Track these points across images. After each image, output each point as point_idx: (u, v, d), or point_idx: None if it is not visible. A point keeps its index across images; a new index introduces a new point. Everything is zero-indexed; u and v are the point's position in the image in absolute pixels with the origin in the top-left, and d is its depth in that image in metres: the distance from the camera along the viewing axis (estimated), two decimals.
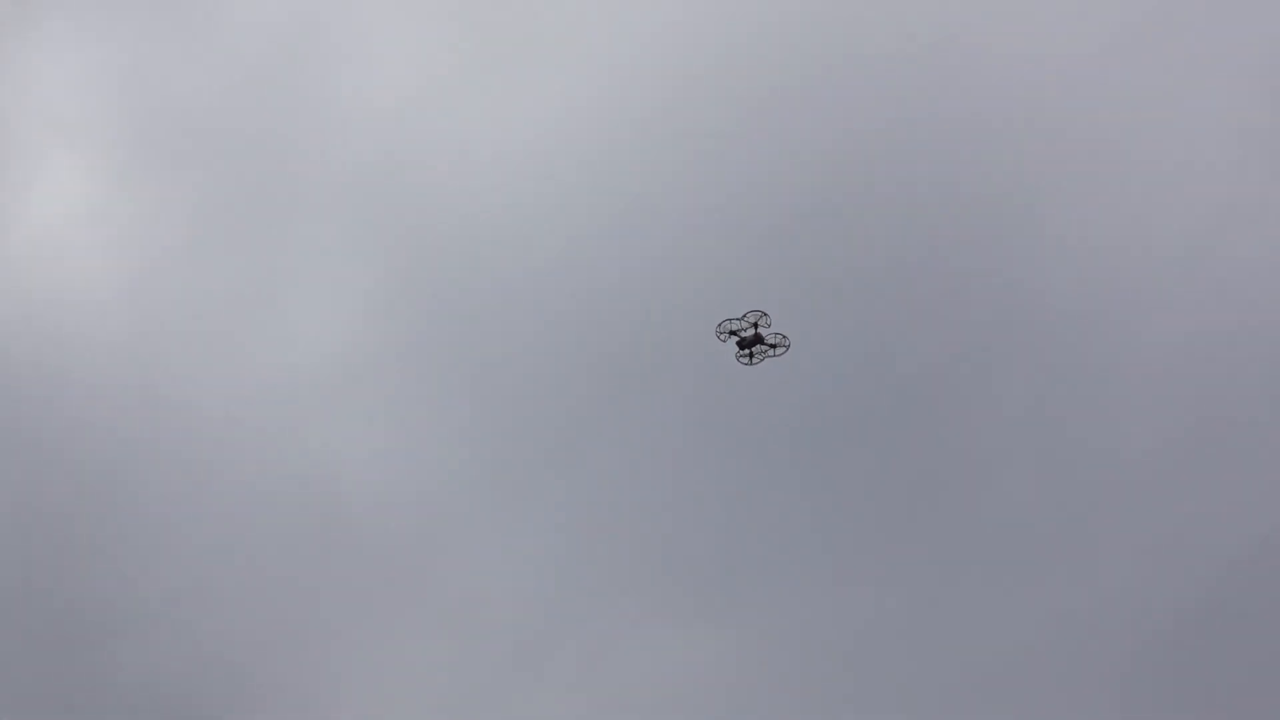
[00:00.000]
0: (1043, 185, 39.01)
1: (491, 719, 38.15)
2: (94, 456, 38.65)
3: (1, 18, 40.09)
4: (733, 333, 24.67)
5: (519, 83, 41.12)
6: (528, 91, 41.35)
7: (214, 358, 41.94)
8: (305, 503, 39.65)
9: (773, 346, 24.47)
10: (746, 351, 25.18)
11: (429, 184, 42.09)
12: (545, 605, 40.66)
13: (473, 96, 42.36)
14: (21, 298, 40.83)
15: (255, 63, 42.54)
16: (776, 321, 26.39)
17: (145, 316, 42.05)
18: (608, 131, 42.18)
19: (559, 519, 39.33)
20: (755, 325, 24.01)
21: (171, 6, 43.22)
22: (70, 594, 37.75)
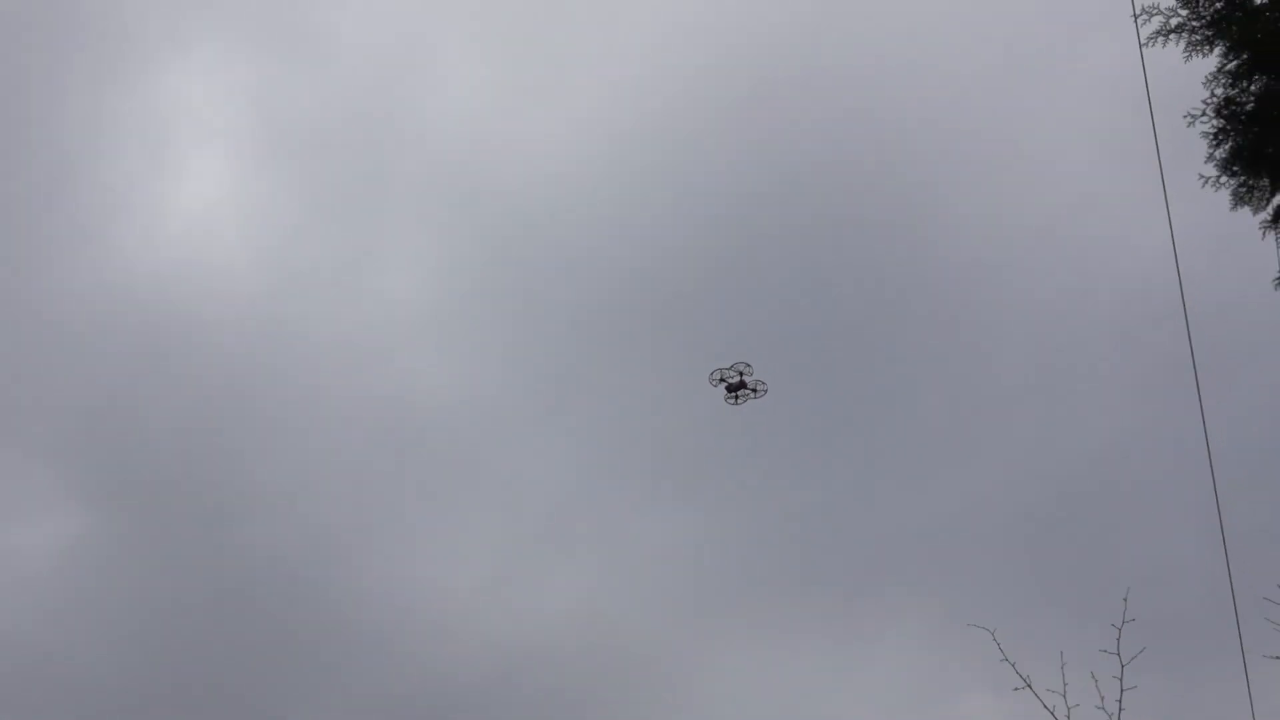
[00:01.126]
0: (943, 175, 50.56)
1: (526, 572, 52.91)
2: (233, 381, 53.73)
3: (160, 45, 54.33)
4: (722, 380, 30.68)
5: (561, 95, 55.06)
6: (568, 101, 54.90)
7: (324, 305, 56.73)
8: (390, 414, 54.54)
9: (753, 390, 30.74)
10: (733, 395, 31.24)
11: (491, 173, 55.24)
12: (568, 490, 54.48)
13: (527, 104, 55.50)
14: (180, 263, 55.14)
15: (359, 78, 56.43)
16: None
17: (272, 275, 56.99)
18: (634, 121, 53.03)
19: (580, 426, 53.96)
20: (740, 374, 30.24)
21: (293, 34, 57.36)
22: (211, 484, 52.42)
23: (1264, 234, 10.00)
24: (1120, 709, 7.69)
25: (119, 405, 53.49)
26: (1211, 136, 9.57)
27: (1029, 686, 7.87)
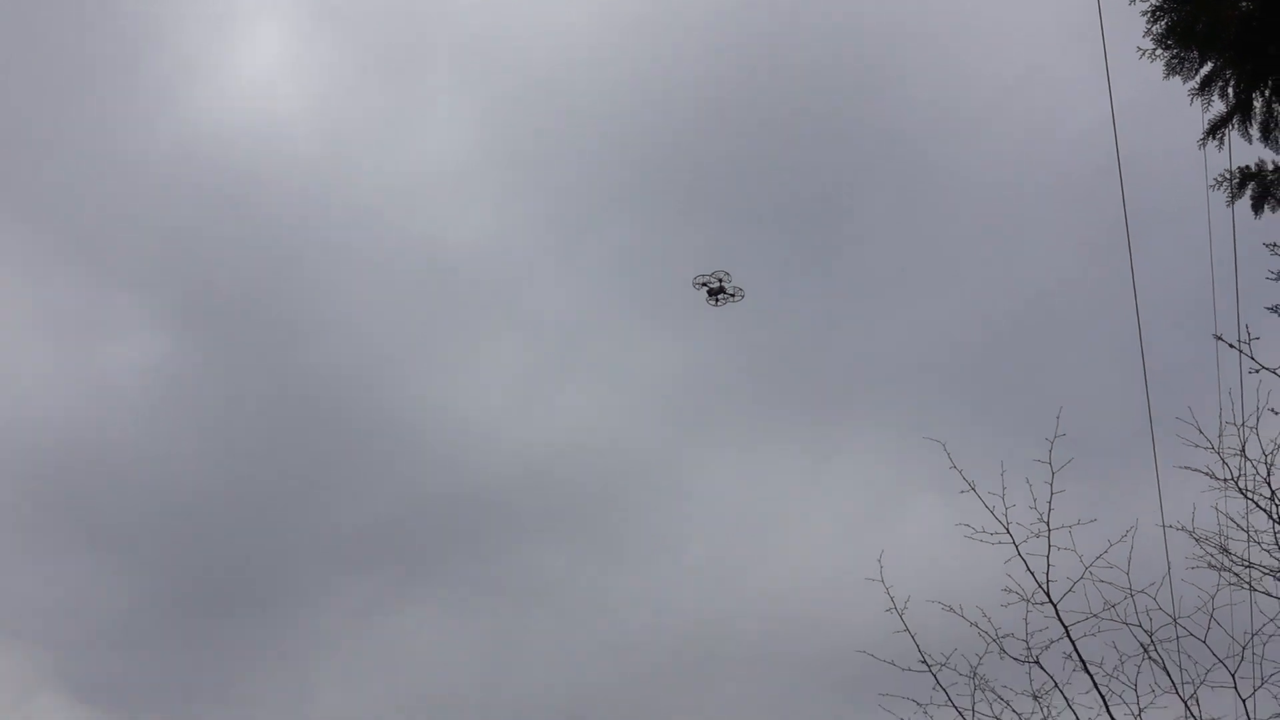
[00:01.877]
0: (904, 48, 54.54)
1: (544, 390, 61.29)
2: (293, 223, 61.34)
3: None
4: (704, 285, 32.14)
5: None
6: None
7: (371, 160, 63.32)
8: (428, 253, 61.46)
9: (731, 295, 32.30)
10: (713, 298, 32.94)
11: (519, 50, 59.30)
12: (580, 321, 61.56)
13: None
14: (245, 119, 61.12)
15: None
16: None
17: (323, 137, 63.15)
18: None
19: (591, 267, 60.28)
20: (720, 281, 31.98)
21: None
22: (276, 311, 60.84)
23: (1191, 100, 11.02)
24: (1050, 509, 8.96)
25: (196, 242, 60.26)
26: (1150, 14, 10.46)
27: (973, 490, 9.07)
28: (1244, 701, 8.46)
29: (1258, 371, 8.34)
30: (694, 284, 32.13)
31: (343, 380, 62.41)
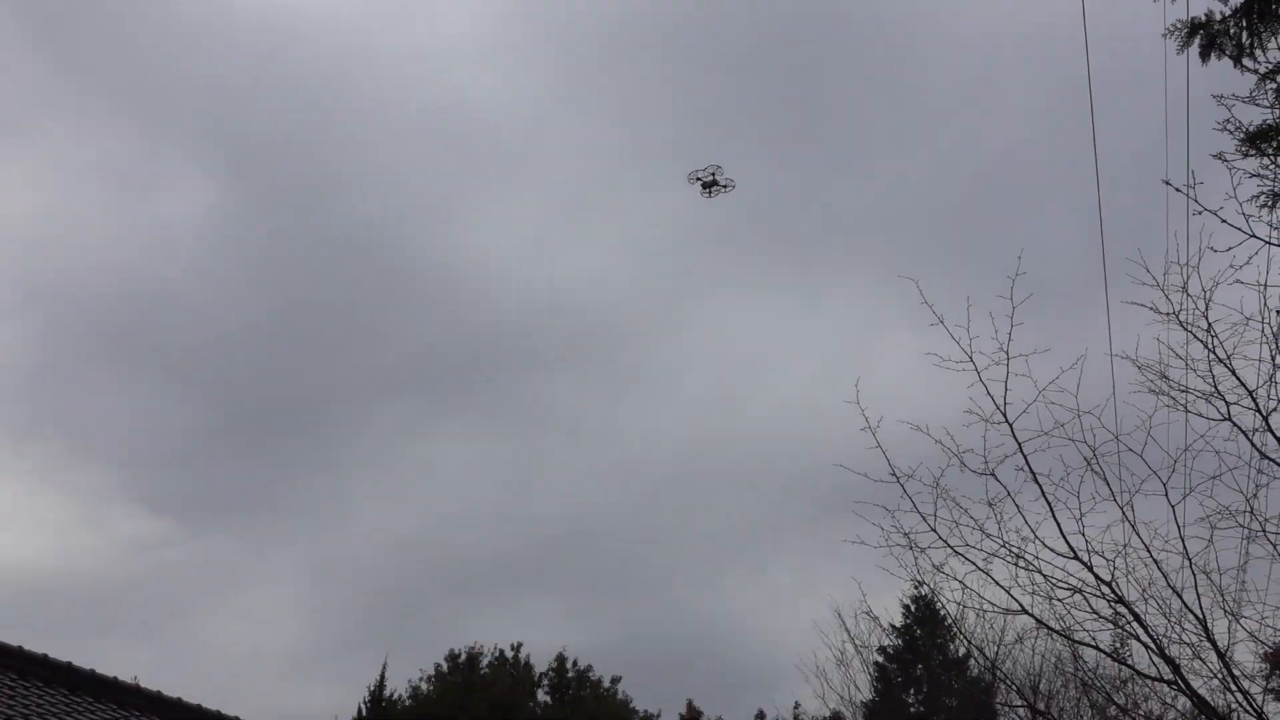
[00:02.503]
0: None
1: (558, 239, 68.69)
2: (328, 84, 67.90)
3: None
4: (698, 179, 33.39)
5: None
6: None
7: (400, 30, 69.17)
8: (459, 119, 67.67)
9: (723, 187, 33.67)
10: (707, 190, 34.00)
11: None
12: (590, 175, 68.08)
13: None
14: None
15: None
16: None
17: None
18: None
19: (599, 125, 66.08)
20: (713, 175, 33.19)
21: None
22: (316, 163, 67.29)
23: None
24: (1010, 340, 9.79)
25: (240, 98, 66.07)
26: None
27: (941, 323, 9.88)
28: (1173, 508, 9.47)
29: (1200, 214, 9.01)
30: (689, 178, 33.64)
31: (377, 227, 68.56)
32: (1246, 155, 9.05)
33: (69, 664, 12.35)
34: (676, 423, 70.21)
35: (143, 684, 13.27)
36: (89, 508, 62.86)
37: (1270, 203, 9.05)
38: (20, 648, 11.94)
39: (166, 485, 65.47)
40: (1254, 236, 9.05)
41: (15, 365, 64.50)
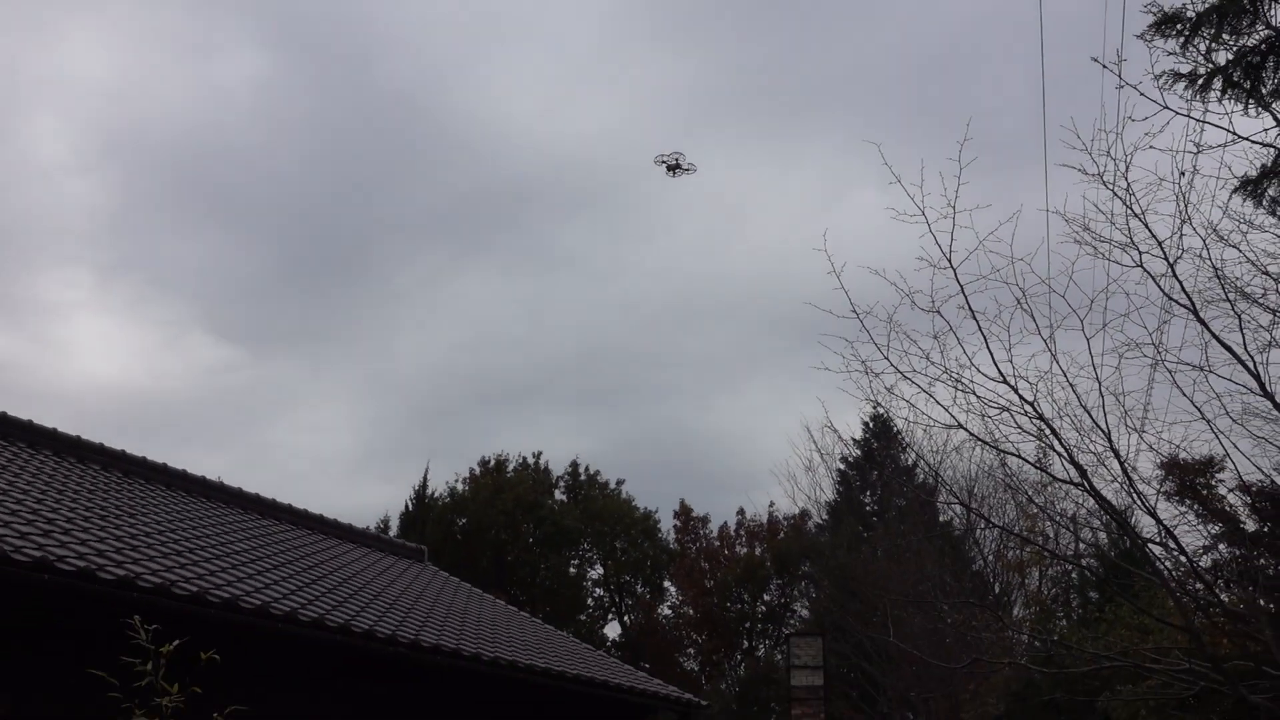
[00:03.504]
0: None
1: (571, 99, 67.72)
2: None
3: None
4: (663, 162, 33.54)
5: None
6: None
7: None
8: None
9: (686, 170, 33.79)
10: (671, 172, 34.08)
11: None
12: (600, 39, 67.21)
13: None
14: None
15: None
16: None
17: None
18: None
19: None
20: (676, 159, 33.39)
21: None
22: (353, 29, 65.87)
23: None
24: (956, 197, 10.85)
25: None
26: None
27: (899, 181, 10.94)
28: (1088, 340, 10.80)
29: (1121, 88, 9.95)
30: (655, 161, 34.10)
31: (411, 87, 69.79)
32: (1153, 39, 9.85)
33: (164, 464, 13.86)
34: (672, 264, 75.63)
35: (217, 480, 14.86)
36: (169, 337, 68.24)
37: (1171, 82, 9.97)
38: (124, 450, 13.41)
39: (234, 318, 72.32)
40: (1166, 108, 10.06)
41: (99, 211, 68.91)
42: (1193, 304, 10.05)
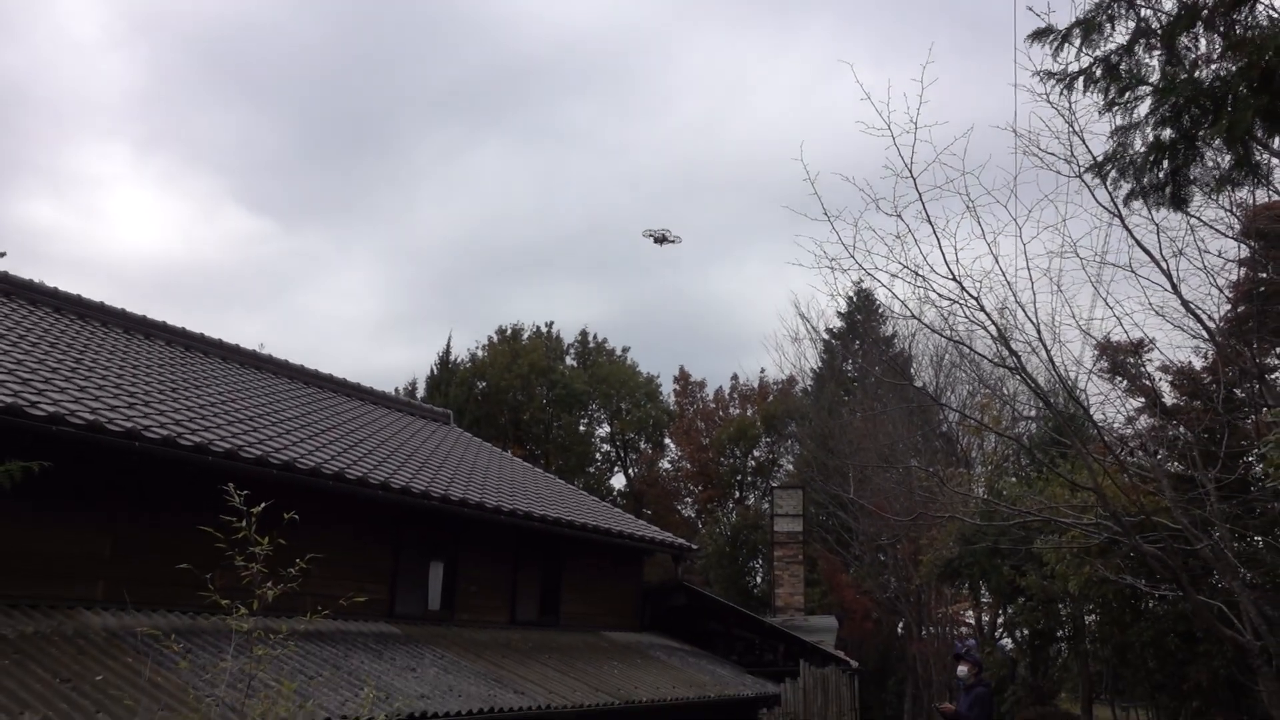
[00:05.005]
0: None
1: None
2: None
3: None
4: (652, 235, 39.15)
5: None
6: None
7: None
8: None
9: (672, 241, 39.35)
10: (659, 244, 39.51)
11: None
12: None
13: None
14: None
15: None
16: None
17: None
18: None
19: None
20: (664, 233, 38.83)
21: None
22: None
23: None
24: (918, 114, 11.38)
25: None
26: None
27: (869, 99, 11.53)
28: (1025, 245, 11.45)
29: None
30: (643, 234, 39.19)
31: None
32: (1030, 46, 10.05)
33: (219, 339, 14.71)
34: (673, 140, 75.20)
35: (258, 349, 15.72)
36: (204, 209, 68.52)
37: (1044, 79, 10.23)
38: (184, 328, 14.25)
39: (264, 191, 72.59)
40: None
41: (131, 88, 68.47)
42: (1119, 212, 10.65)
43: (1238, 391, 11.83)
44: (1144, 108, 8.46)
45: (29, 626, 7.66)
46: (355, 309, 69.94)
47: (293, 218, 74.60)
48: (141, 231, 71.17)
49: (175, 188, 72.09)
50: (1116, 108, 8.56)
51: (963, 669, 12.46)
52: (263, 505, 5.20)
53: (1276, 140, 8.50)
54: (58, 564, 8.41)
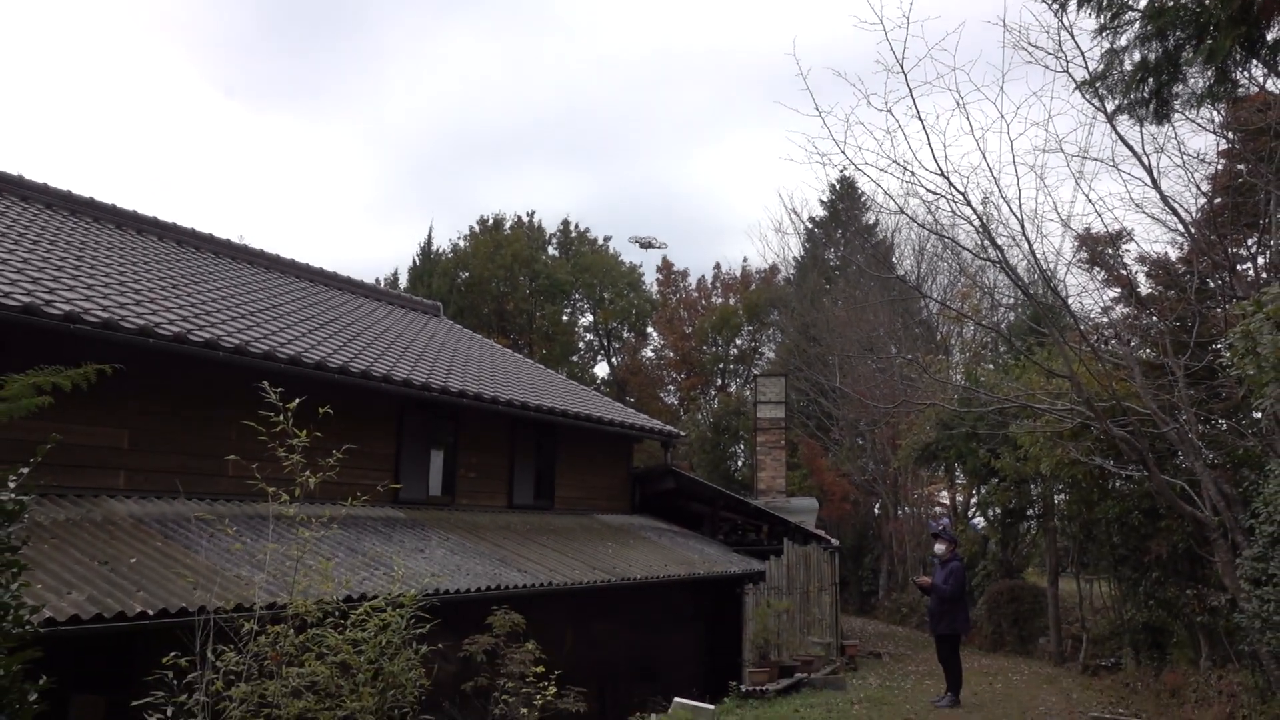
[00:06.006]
0: None
1: None
2: None
3: None
4: (639, 241, 40.34)
5: None
6: None
7: None
8: None
9: (658, 247, 41.30)
10: (644, 249, 41.17)
11: None
12: None
13: None
14: None
15: None
16: None
17: None
18: None
19: None
20: (650, 240, 40.50)
21: None
22: None
23: None
24: (910, 11, 11.43)
25: None
26: None
27: None
28: (1012, 141, 11.68)
29: None
30: (629, 240, 41.13)
31: None
32: None
33: (193, 229, 14.73)
34: (650, 18, 73.08)
35: (241, 241, 15.80)
36: (174, 97, 66.64)
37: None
38: (156, 218, 14.24)
39: (234, 75, 69.48)
40: None
41: None
42: (1104, 108, 10.83)
43: (1210, 282, 12.26)
44: (1132, 32, 8.67)
45: (60, 514, 8.07)
46: (329, 199, 69.24)
47: (263, 101, 72.97)
48: (112, 113, 69.46)
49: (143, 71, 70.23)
50: (1106, 31, 8.77)
51: (939, 546, 13.22)
52: (297, 401, 5.53)
53: (1252, 63, 8.76)
54: (79, 456, 8.78)
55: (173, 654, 4.63)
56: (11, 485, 3.56)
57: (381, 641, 5.55)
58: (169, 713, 4.38)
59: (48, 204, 12.84)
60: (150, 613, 6.53)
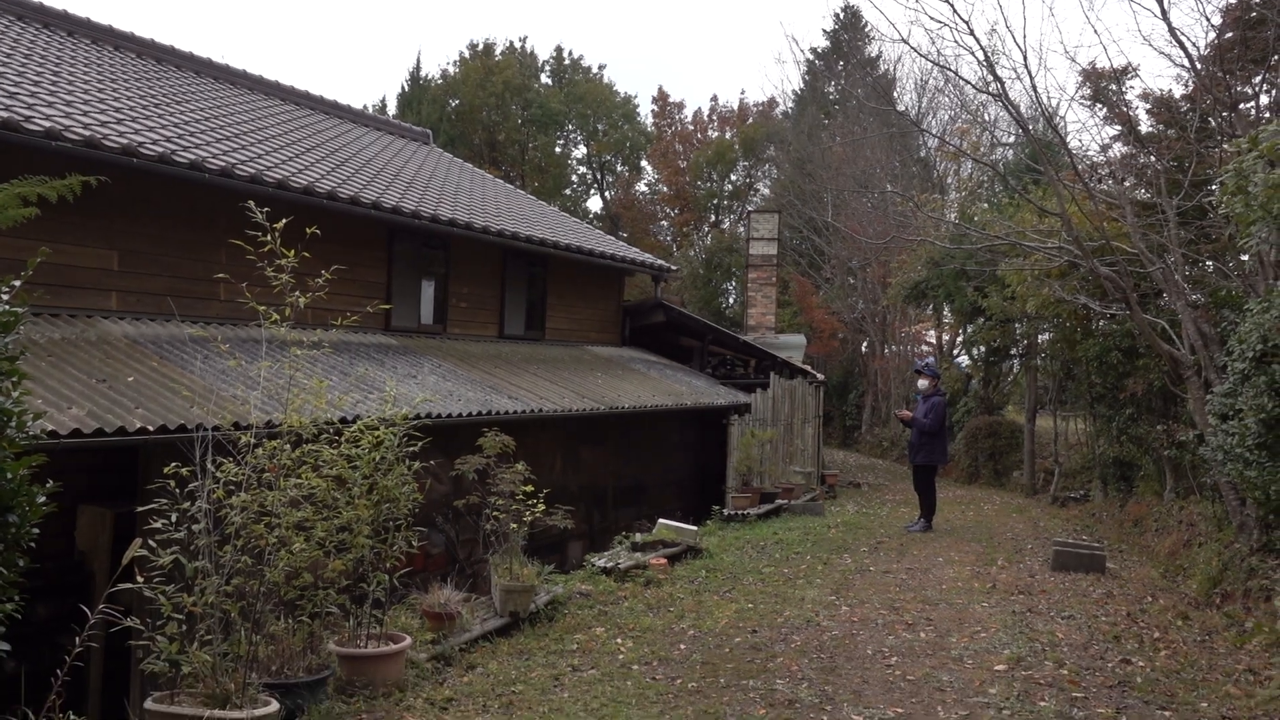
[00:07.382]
0: None
1: None
2: None
3: None
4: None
5: None
6: None
7: None
8: None
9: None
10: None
11: None
12: None
13: None
14: None
15: None
16: None
17: None
18: None
19: None
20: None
21: None
22: None
23: None
24: None
25: None
26: None
27: None
28: None
29: None
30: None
31: None
32: None
33: (172, 46, 14.26)
34: None
35: (222, 61, 15.35)
36: None
37: None
38: (132, 33, 13.76)
39: None
40: None
41: None
42: None
43: (1212, 120, 12.05)
44: None
45: (55, 333, 8.18)
46: (315, 20, 66.47)
47: None
48: None
49: None
50: None
51: (922, 382, 13.51)
52: (284, 222, 5.52)
53: None
54: (70, 276, 8.80)
55: (174, 464, 4.80)
56: (5, 297, 3.61)
57: (375, 458, 5.76)
58: (173, 519, 4.58)
59: (19, 15, 12.37)
60: (150, 429, 6.71)
